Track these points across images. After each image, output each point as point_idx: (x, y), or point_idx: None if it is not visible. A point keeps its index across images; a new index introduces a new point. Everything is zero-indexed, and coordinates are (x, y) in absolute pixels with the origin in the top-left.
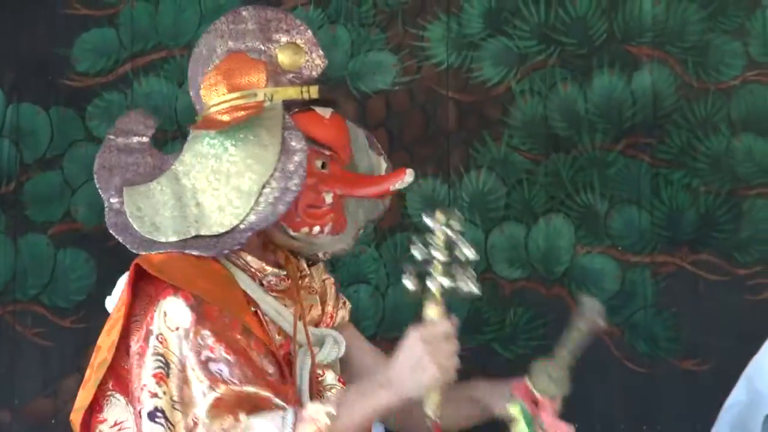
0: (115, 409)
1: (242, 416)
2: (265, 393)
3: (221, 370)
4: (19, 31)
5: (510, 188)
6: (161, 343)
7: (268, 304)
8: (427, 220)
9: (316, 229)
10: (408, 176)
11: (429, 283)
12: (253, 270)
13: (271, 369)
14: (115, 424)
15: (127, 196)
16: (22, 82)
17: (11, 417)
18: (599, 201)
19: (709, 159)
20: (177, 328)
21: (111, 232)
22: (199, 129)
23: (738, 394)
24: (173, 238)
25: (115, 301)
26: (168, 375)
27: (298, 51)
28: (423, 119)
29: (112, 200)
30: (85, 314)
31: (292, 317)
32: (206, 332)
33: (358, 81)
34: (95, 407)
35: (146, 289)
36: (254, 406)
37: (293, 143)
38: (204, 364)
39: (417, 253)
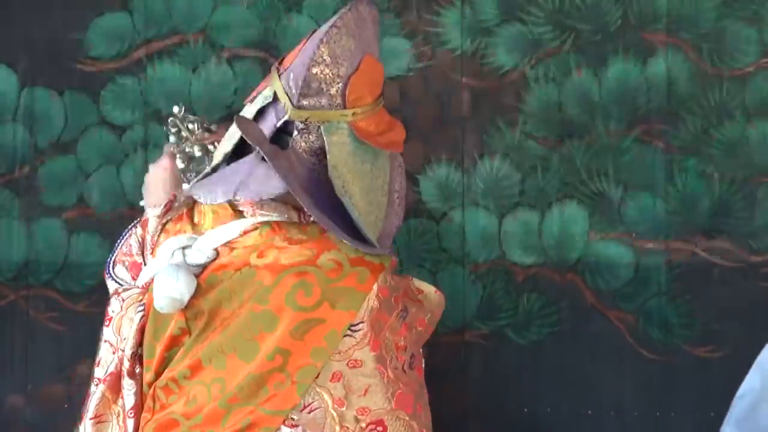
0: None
1: None
2: None
3: None
4: (34, 15)
5: (524, 174)
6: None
7: None
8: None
9: None
10: None
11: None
12: None
13: None
14: (305, 407)
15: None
16: (36, 66)
17: (24, 401)
18: (613, 187)
19: (723, 146)
20: None
21: (338, 236)
22: (372, 143)
23: (751, 383)
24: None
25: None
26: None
27: None
28: (437, 105)
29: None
30: (98, 299)
31: None
32: None
33: None
34: None
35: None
36: None
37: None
38: None
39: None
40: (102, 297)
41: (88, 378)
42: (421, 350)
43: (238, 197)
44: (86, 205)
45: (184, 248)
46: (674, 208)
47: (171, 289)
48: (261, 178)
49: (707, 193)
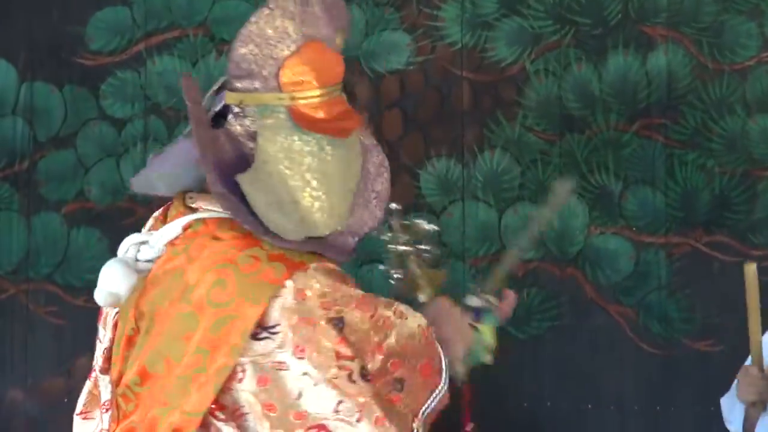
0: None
1: None
2: None
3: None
4: (33, 9)
5: (524, 168)
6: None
7: None
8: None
9: None
10: None
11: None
12: None
13: None
14: (234, 411)
15: (245, 184)
16: (36, 60)
17: (24, 395)
18: (613, 181)
19: (723, 140)
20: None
21: (238, 219)
22: (314, 130)
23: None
24: (293, 237)
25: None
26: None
27: (345, 37)
28: (437, 99)
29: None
30: None
31: None
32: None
33: (373, 61)
34: None
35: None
36: None
37: (366, 141)
38: None
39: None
40: None
41: (88, 372)
42: (394, 371)
43: (157, 174)
44: (86, 199)
45: (140, 243)
46: (674, 202)
47: (108, 283)
48: (182, 153)
49: (707, 187)
